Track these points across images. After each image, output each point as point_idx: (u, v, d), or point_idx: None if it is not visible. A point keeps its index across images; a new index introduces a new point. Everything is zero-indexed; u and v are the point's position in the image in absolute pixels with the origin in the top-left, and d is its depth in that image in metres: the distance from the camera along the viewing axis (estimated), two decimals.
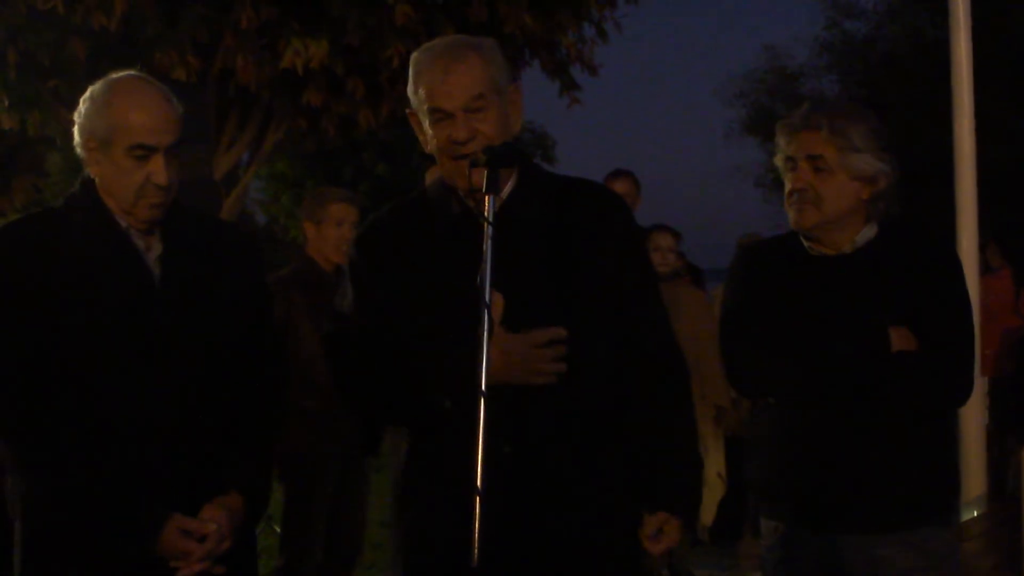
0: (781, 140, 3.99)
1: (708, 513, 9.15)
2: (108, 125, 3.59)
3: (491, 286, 3.10)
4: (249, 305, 3.91)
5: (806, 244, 4.01)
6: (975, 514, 7.81)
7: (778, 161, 4.04)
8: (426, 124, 3.49)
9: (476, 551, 3.00)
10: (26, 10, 10.86)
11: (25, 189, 22.11)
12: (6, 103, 12.04)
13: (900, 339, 3.78)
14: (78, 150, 3.72)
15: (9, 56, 11.05)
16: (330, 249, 6.63)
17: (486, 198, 3.17)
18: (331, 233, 6.62)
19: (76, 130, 3.70)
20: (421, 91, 3.46)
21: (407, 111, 3.57)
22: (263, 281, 4.20)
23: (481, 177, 3.25)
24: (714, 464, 9.17)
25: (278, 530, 7.11)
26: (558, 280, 3.43)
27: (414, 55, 3.55)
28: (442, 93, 3.41)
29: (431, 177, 6.09)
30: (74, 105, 3.76)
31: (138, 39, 11.07)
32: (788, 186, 3.96)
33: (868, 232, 3.96)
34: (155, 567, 3.56)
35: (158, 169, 3.60)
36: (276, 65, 11.42)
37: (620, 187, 8.11)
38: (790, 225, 3.99)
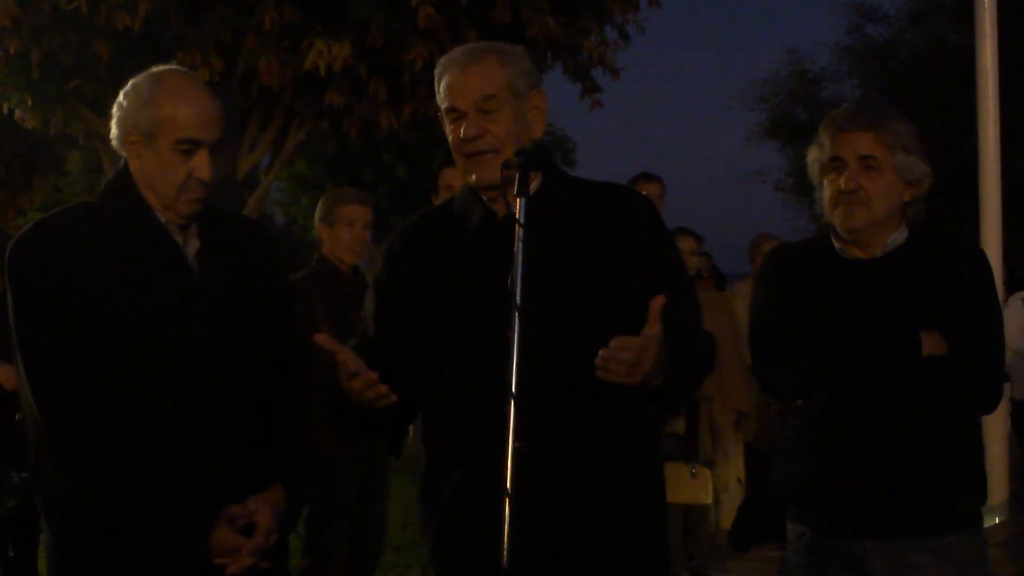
0: (826, 139, 3.95)
1: (728, 518, 9.15)
2: (154, 118, 3.57)
3: (522, 288, 3.09)
4: (277, 303, 3.92)
5: (837, 247, 4.00)
6: (997, 521, 7.80)
7: (815, 160, 4.01)
8: (445, 123, 3.55)
9: (506, 553, 2.99)
10: (50, 10, 10.91)
11: (46, 188, 22.24)
12: (29, 102, 12.10)
13: (931, 344, 3.77)
14: (114, 143, 3.70)
15: (33, 56, 11.11)
16: (342, 250, 6.64)
17: (517, 200, 3.17)
18: (344, 234, 6.63)
19: (114, 123, 3.67)
20: (441, 90, 3.53)
21: (437, 113, 3.61)
22: (287, 280, 4.22)
23: (512, 179, 3.25)
24: (734, 469, 9.18)
25: (300, 531, 7.12)
26: (585, 279, 3.43)
27: (442, 58, 3.61)
28: (456, 92, 3.48)
29: (444, 179, 6.09)
30: (96, 105, 3.77)
31: (161, 40, 11.11)
32: (832, 187, 3.93)
33: (899, 236, 3.95)
34: (201, 566, 3.52)
35: (202, 164, 3.59)
36: (299, 66, 11.45)
37: (647, 190, 8.13)
38: (837, 227, 3.97)
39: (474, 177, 3.51)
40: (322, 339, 3.22)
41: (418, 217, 3.81)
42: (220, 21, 11.08)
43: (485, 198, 3.56)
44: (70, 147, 20.32)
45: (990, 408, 3.97)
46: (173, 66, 3.76)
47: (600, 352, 3.11)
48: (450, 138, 3.54)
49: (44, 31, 11.06)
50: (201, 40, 10.99)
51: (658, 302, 3.15)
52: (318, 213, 6.75)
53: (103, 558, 3.56)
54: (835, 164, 3.93)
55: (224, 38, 11.16)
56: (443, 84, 3.52)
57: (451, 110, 3.50)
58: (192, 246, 3.70)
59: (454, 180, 5.71)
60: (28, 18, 10.92)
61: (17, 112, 12.46)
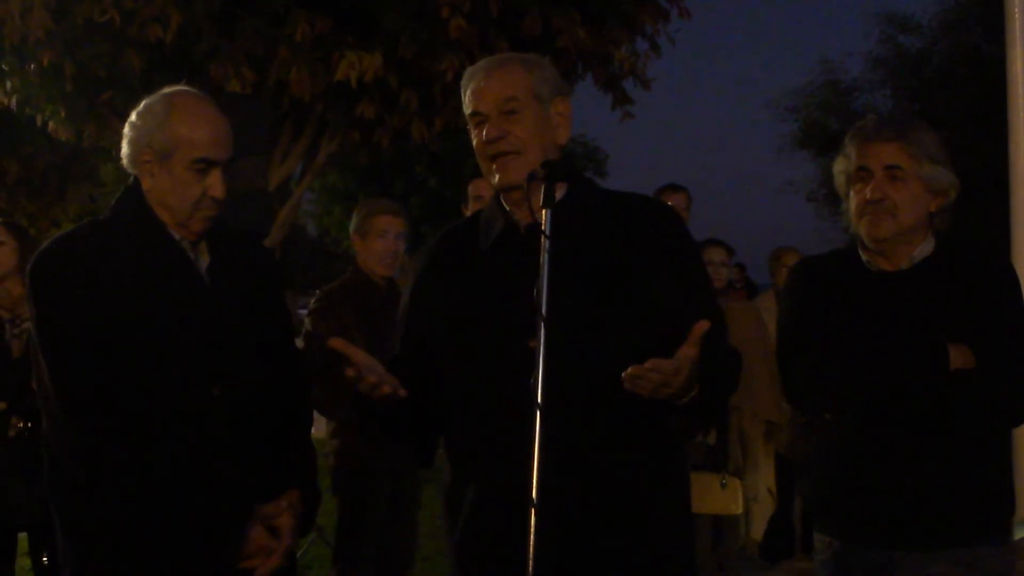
0: (852, 150, 3.96)
1: (758, 529, 9.11)
2: (169, 138, 3.66)
3: (547, 298, 3.09)
4: (278, 313, 4.04)
5: (865, 259, 4.00)
6: None
7: (841, 172, 4.01)
8: (472, 131, 3.58)
9: (532, 564, 2.99)
10: (83, 22, 10.97)
11: (79, 198, 22.38)
12: (62, 114, 12.18)
13: (959, 356, 3.76)
14: (125, 162, 3.79)
15: (66, 68, 11.19)
16: (375, 261, 6.62)
17: (543, 212, 3.18)
18: (376, 245, 6.61)
19: (126, 143, 3.77)
20: (467, 98, 3.57)
21: (467, 126, 3.63)
22: (284, 291, 4.32)
23: (538, 191, 3.26)
24: (764, 480, 9.13)
25: (330, 542, 7.13)
26: (610, 290, 3.43)
27: (468, 69, 3.65)
28: (479, 96, 3.52)
29: (475, 190, 6.10)
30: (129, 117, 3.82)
31: (193, 52, 11.16)
32: (859, 197, 3.93)
33: (926, 247, 3.95)
34: (227, 568, 3.61)
35: (216, 182, 3.69)
36: (330, 78, 11.48)
37: (673, 201, 8.10)
38: (863, 237, 3.96)
39: (497, 179, 3.52)
40: (337, 343, 3.25)
41: (446, 230, 3.83)
42: (252, 33, 11.14)
43: (508, 208, 3.58)
44: (103, 158, 20.44)
45: (1019, 421, 3.96)
46: (185, 87, 3.84)
47: (630, 368, 3.10)
48: (474, 143, 3.57)
49: (77, 43, 11.14)
50: (233, 52, 11.05)
51: (701, 326, 3.14)
52: (352, 225, 6.77)
53: (130, 564, 3.60)
54: (861, 174, 3.92)
55: (256, 50, 11.21)
56: (468, 91, 3.56)
57: (475, 114, 3.54)
58: (203, 261, 3.79)
59: (483, 191, 5.72)
60: (61, 30, 11.01)
61: (51, 124, 12.57)
